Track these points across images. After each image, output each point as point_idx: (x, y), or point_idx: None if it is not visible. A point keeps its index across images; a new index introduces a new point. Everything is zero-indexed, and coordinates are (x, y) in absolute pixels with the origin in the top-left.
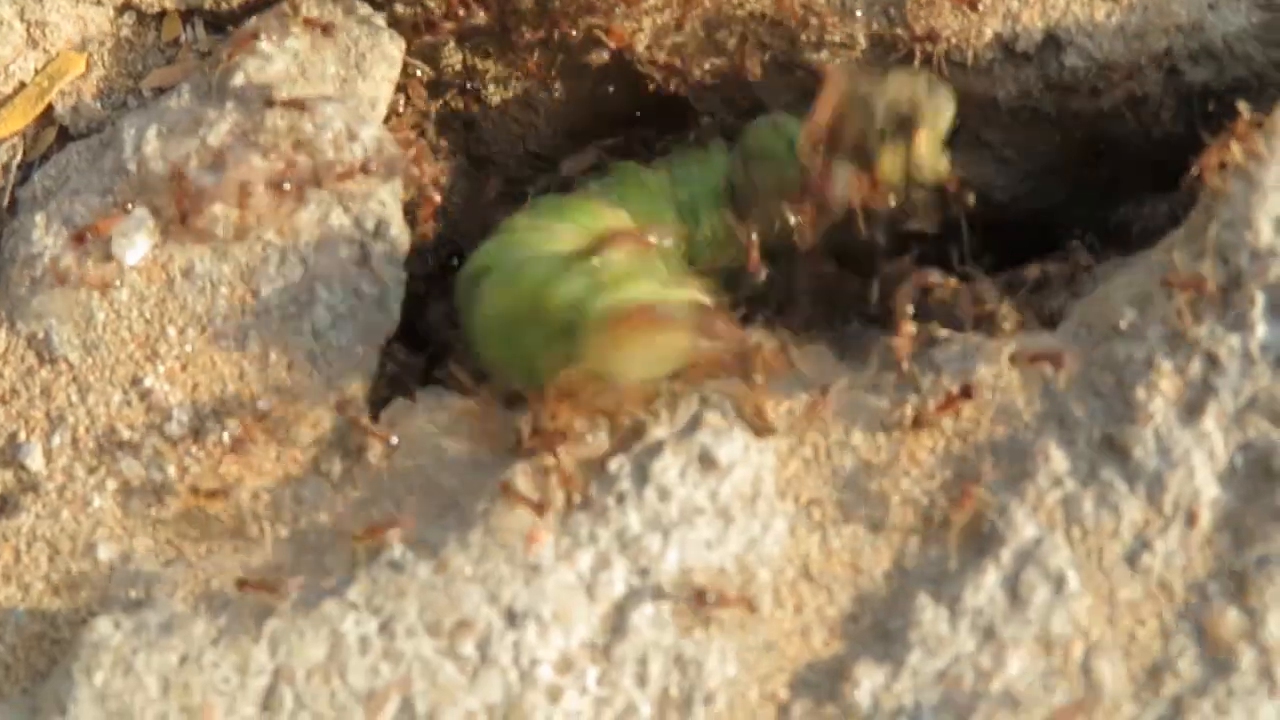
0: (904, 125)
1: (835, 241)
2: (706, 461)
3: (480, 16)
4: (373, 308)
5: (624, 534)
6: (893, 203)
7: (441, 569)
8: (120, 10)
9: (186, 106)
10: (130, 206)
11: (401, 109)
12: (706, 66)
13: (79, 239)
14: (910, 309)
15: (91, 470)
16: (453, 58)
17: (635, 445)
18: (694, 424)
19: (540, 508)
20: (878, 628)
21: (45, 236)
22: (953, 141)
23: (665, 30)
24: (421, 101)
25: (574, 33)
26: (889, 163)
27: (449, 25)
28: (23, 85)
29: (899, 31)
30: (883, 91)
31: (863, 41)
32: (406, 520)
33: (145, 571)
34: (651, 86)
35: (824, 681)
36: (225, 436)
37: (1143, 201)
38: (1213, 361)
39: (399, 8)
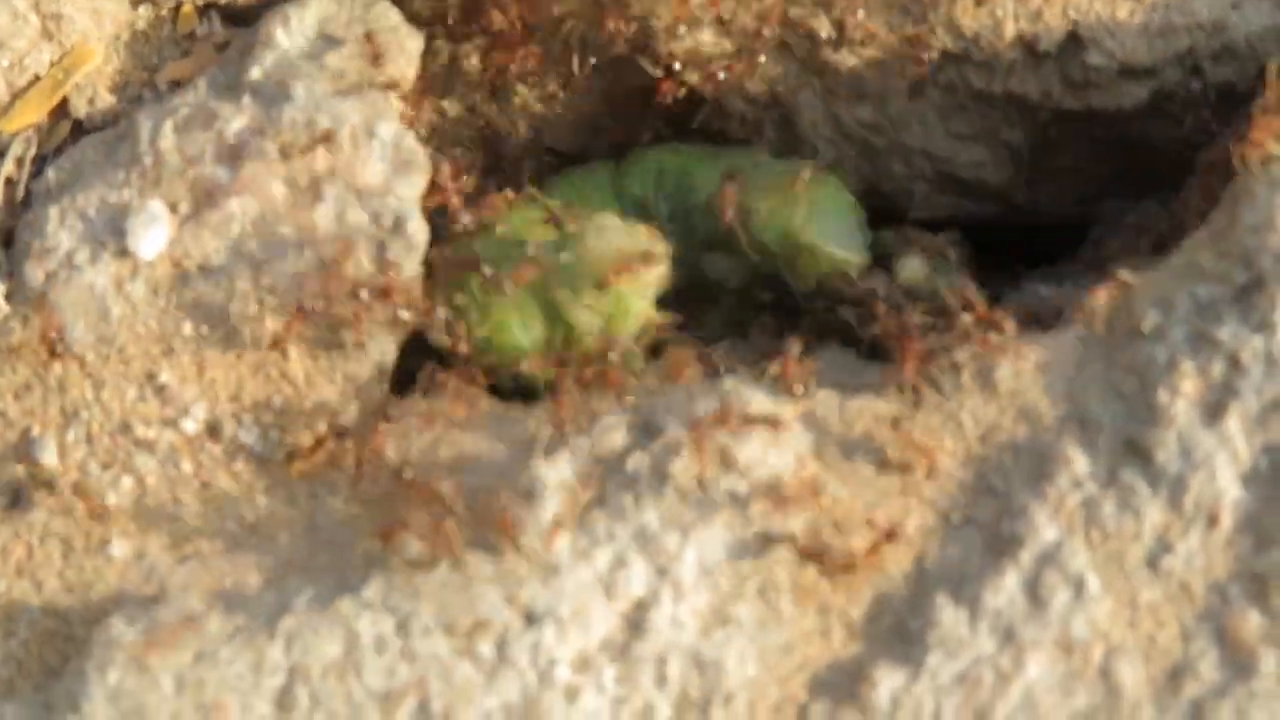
0: None
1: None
2: (726, 459)
3: (501, 20)
4: (390, 304)
5: (642, 532)
6: None
7: (458, 568)
8: (136, 3)
9: (203, 100)
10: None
11: (419, 104)
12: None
13: None
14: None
15: (106, 466)
16: (470, 52)
17: (654, 443)
18: (718, 420)
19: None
20: (897, 629)
21: (59, 230)
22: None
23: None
24: (438, 96)
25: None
26: None
27: (469, 27)
28: (37, 78)
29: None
30: None
31: (883, 38)
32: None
33: (159, 569)
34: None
35: (843, 682)
36: (241, 433)
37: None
38: (1235, 364)
39: (417, 3)
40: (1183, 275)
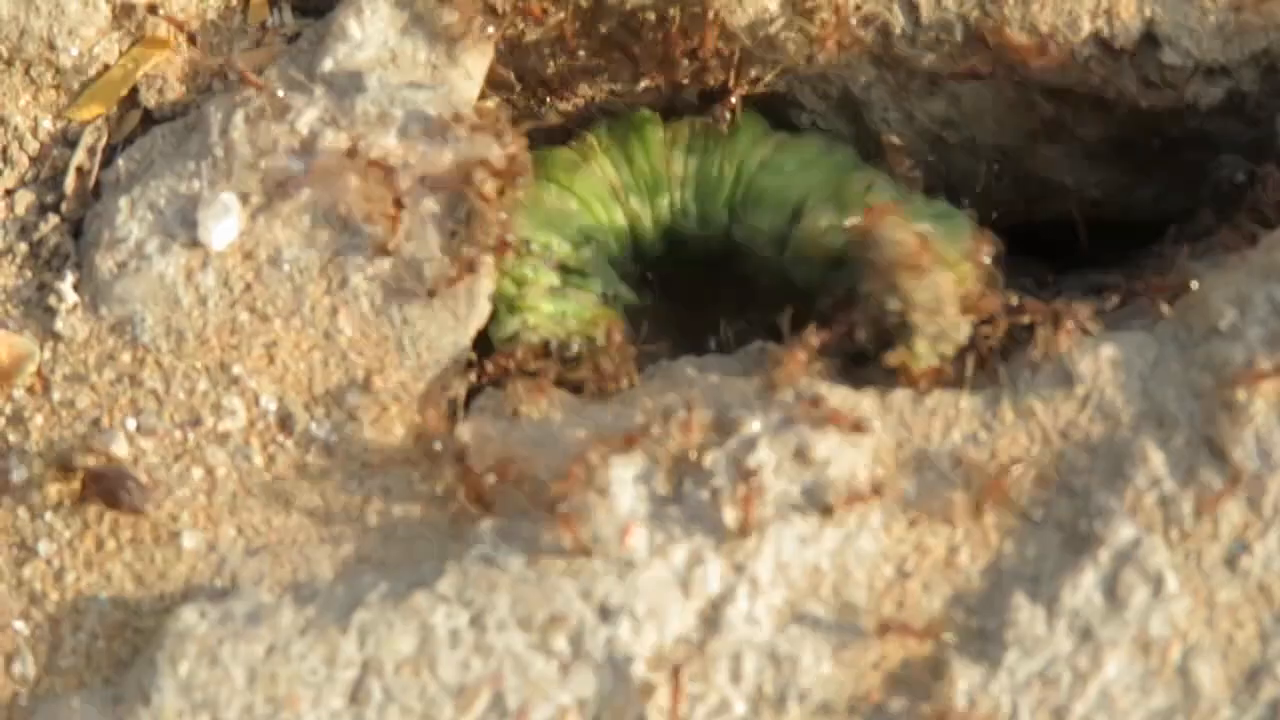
0: None
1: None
2: (802, 456)
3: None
4: (464, 297)
5: (719, 529)
6: None
7: (534, 562)
8: None
9: (274, 91)
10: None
11: (490, 94)
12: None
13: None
14: None
15: (176, 458)
16: (538, 46)
17: (730, 439)
18: (790, 418)
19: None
20: (974, 627)
21: (130, 221)
22: None
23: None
24: (508, 90)
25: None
26: None
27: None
28: (107, 67)
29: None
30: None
31: (958, 36)
32: None
33: (230, 560)
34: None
35: (920, 680)
36: (313, 425)
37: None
38: None
39: None
40: (1260, 274)
